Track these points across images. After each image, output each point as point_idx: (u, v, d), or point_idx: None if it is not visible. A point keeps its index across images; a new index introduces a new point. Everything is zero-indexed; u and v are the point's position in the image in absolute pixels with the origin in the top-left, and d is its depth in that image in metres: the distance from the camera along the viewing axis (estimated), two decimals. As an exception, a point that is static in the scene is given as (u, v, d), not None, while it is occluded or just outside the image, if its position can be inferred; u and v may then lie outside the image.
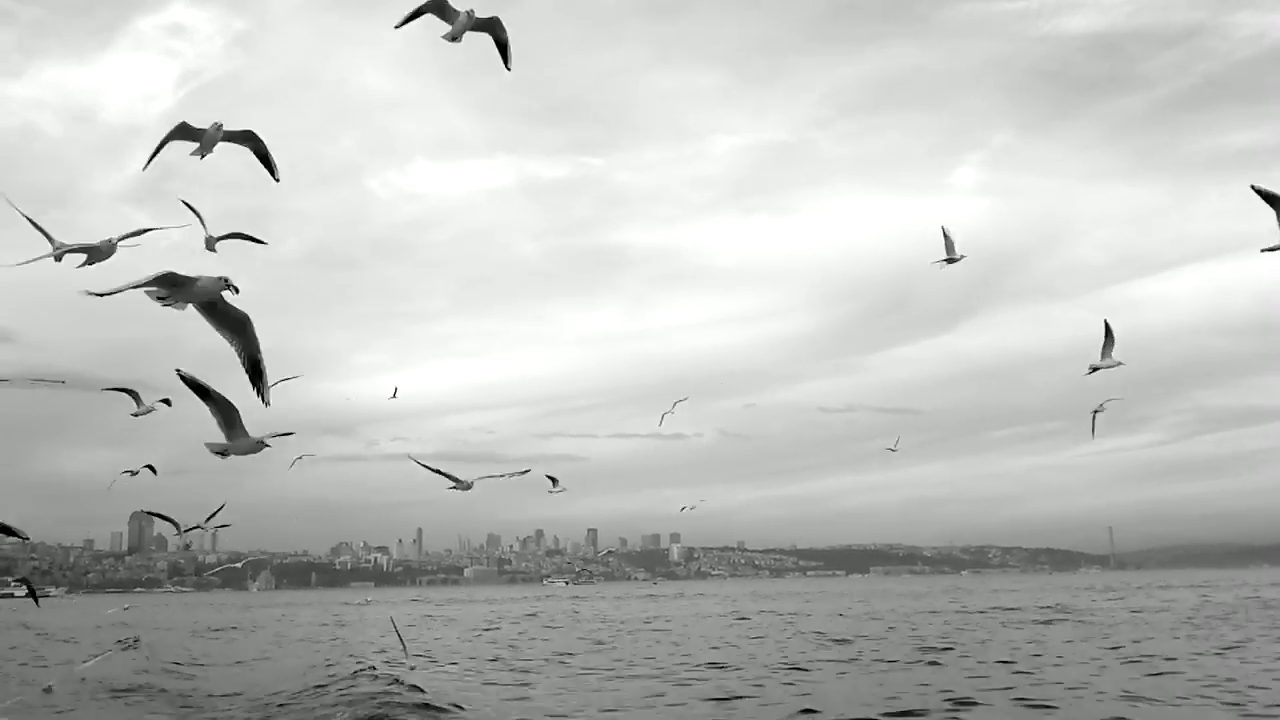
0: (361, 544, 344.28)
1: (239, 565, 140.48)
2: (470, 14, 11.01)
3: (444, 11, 11.01)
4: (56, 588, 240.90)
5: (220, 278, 8.10)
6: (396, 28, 11.17)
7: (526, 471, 20.23)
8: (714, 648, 28.13)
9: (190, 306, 8.34)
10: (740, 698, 17.36)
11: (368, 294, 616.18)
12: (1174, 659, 21.62)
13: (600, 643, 31.39)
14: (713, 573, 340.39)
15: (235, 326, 8.48)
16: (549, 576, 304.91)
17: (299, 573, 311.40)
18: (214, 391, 9.74)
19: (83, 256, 10.76)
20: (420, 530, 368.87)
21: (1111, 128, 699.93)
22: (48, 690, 19.09)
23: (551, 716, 15.97)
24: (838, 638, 30.47)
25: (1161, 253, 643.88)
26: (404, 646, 24.46)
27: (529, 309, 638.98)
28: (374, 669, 21.63)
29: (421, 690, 17.69)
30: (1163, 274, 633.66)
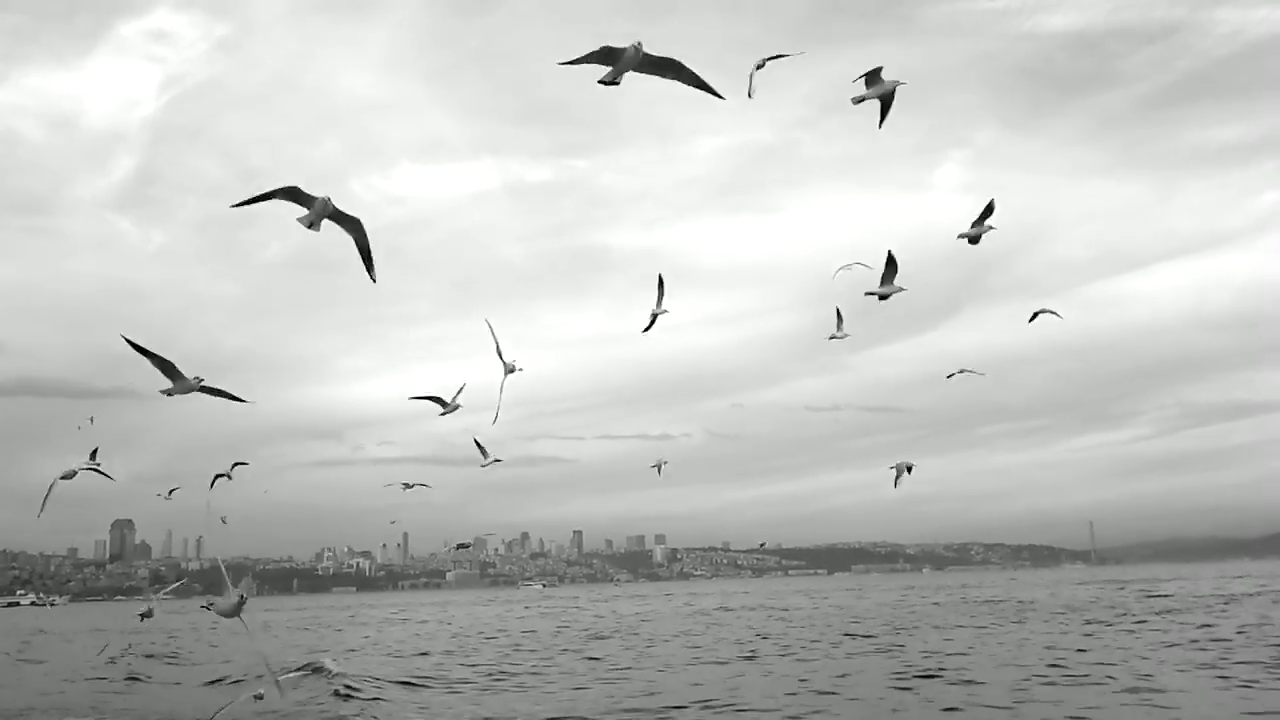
0: (345, 549, 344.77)
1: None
2: (327, 202, 9.96)
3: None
4: (60, 596, 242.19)
5: (326, 199, 9.86)
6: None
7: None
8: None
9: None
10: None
11: (353, 298, 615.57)
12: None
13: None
14: (695, 573, 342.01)
15: (352, 226, 10.29)
16: (530, 579, 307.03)
17: (281, 579, 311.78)
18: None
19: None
20: (406, 534, 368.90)
21: (1093, 124, 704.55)
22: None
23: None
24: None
25: (1144, 249, 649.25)
26: None
27: (515, 311, 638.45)
28: None
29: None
30: (1145, 270, 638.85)
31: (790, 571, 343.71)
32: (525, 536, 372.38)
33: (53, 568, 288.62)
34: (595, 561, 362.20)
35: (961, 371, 19.37)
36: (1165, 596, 48.74)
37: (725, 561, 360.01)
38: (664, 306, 16.15)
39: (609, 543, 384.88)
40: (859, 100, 12.99)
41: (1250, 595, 46.15)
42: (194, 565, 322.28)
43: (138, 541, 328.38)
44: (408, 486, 21.71)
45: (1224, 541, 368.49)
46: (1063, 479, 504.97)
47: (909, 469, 19.23)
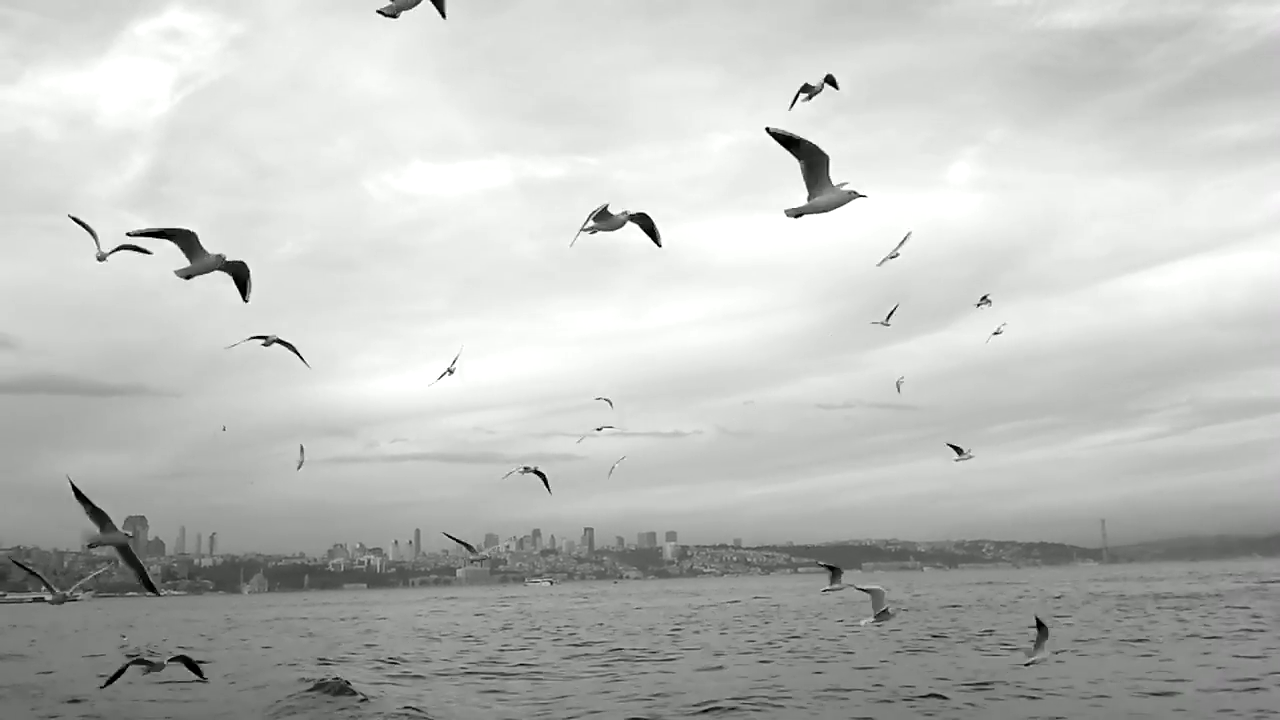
0: (357, 545, 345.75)
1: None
2: (626, 213, 12.22)
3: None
4: (84, 591, 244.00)
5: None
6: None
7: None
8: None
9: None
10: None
11: (366, 295, 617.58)
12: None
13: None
14: (704, 570, 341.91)
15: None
16: (538, 576, 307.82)
17: (292, 575, 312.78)
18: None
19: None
20: (418, 531, 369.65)
21: (1107, 122, 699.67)
22: None
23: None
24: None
25: (1158, 246, 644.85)
26: None
27: (527, 308, 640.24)
28: None
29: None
30: (1159, 267, 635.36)
31: (800, 569, 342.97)
32: (536, 533, 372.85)
33: (65, 564, 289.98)
34: (605, 558, 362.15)
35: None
36: (1057, 597, 50.60)
37: (735, 559, 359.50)
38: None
39: (620, 540, 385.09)
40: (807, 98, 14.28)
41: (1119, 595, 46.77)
42: (206, 561, 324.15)
43: (150, 538, 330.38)
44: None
45: (1236, 539, 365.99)
46: (1075, 476, 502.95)
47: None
